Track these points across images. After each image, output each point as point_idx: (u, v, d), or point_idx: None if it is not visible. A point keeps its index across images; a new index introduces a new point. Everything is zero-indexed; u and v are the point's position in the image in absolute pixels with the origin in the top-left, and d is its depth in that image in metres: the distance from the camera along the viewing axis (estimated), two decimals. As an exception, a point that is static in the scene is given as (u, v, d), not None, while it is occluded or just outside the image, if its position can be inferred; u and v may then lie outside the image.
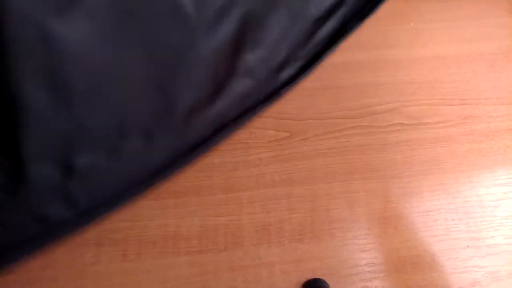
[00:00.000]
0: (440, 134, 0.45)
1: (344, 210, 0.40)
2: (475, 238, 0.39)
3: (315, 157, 0.42)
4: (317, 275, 0.36)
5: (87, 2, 0.22)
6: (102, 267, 0.34)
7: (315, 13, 0.28)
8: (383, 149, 0.43)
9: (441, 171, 0.42)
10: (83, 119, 0.26)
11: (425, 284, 0.37)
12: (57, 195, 0.28)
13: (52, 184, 0.28)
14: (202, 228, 0.37)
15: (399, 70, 0.49)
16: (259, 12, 0.25)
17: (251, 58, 0.26)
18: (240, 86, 0.30)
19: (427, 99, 0.47)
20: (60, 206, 0.29)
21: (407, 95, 0.47)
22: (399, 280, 0.37)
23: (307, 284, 0.36)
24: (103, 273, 0.34)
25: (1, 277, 0.33)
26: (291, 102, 0.43)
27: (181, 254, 0.35)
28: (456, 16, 0.51)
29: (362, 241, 0.38)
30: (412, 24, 0.53)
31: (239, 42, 0.25)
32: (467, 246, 0.39)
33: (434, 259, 0.38)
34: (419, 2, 0.55)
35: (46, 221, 0.29)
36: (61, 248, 0.35)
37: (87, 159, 0.28)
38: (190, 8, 0.22)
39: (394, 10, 0.52)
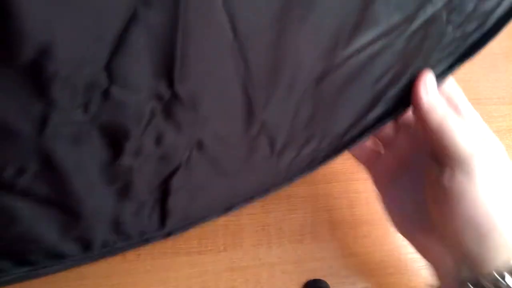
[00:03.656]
0: (441, 134, 0.45)
1: (345, 210, 0.40)
2: (477, 239, 0.39)
3: (315, 157, 0.42)
4: (318, 276, 0.36)
5: None
6: (101, 268, 0.34)
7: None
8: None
9: (442, 171, 0.42)
10: None
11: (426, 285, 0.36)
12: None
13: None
14: (202, 228, 0.36)
15: (399, 71, 0.49)
16: None
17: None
18: None
19: (428, 99, 0.47)
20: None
21: (408, 95, 0.47)
22: (400, 281, 0.37)
23: (308, 284, 0.35)
24: (102, 273, 0.34)
25: (0, 278, 0.33)
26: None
27: (181, 254, 0.35)
28: (456, 16, 0.51)
29: (363, 241, 0.38)
30: (412, 24, 0.53)
31: None
32: (469, 246, 0.38)
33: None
34: (419, 3, 0.55)
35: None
36: (61, 249, 0.35)
37: None
38: None
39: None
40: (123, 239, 0.26)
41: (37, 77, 0.15)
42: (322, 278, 0.36)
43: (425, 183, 0.28)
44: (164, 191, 0.24)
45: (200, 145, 0.23)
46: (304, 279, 0.36)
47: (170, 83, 0.18)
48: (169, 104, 0.19)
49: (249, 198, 0.29)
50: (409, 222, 0.31)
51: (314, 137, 0.28)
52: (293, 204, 0.39)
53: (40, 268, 0.24)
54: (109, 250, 0.26)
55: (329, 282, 0.35)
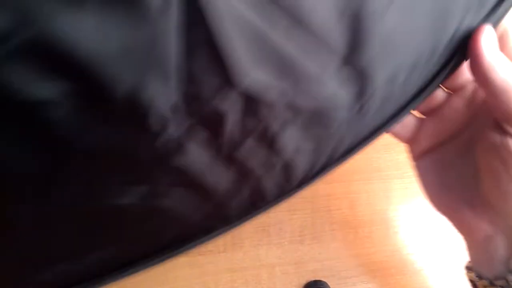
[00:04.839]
0: (443, 133, 0.44)
1: (345, 211, 0.39)
2: (479, 239, 0.38)
3: (315, 157, 0.41)
4: (318, 277, 0.36)
5: None
6: (101, 268, 0.34)
7: None
8: (385, 149, 0.43)
9: (444, 171, 0.41)
10: None
11: (427, 285, 0.36)
12: None
13: None
14: (201, 229, 0.37)
15: (401, 69, 0.49)
16: None
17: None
18: None
19: (430, 98, 0.47)
20: None
21: (409, 94, 0.47)
22: (401, 282, 0.36)
23: (308, 286, 0.35)
24: (103, 274, 0.34)
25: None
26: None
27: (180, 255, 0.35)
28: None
29: (364, 242, 0.38)
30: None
31: None
32: (471, 247, 0.38)
33: (436, 261, 0.37)
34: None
35: None
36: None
37: None
38: None
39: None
40: (254, 208, 0.29)
41: (134, 112, 0.18)
42: (322, 279, 0.36)
43: (480, 153, 0.24)
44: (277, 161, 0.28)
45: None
46: (304, 280, 0.36)
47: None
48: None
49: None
50: (452, 197, 0.27)
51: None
52: (294, 205, 0.39)
53: (195, 240, 0.28)
54: (244, 218, 0.30)
55: (329, 283, 0.35)
